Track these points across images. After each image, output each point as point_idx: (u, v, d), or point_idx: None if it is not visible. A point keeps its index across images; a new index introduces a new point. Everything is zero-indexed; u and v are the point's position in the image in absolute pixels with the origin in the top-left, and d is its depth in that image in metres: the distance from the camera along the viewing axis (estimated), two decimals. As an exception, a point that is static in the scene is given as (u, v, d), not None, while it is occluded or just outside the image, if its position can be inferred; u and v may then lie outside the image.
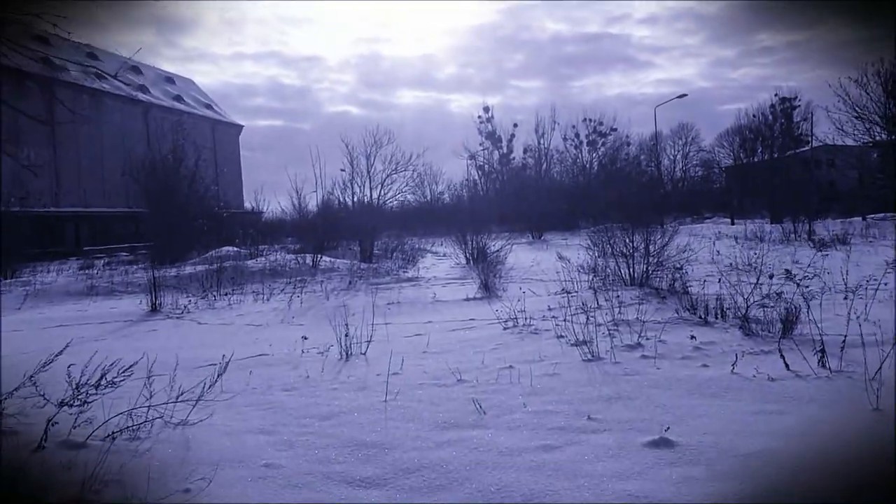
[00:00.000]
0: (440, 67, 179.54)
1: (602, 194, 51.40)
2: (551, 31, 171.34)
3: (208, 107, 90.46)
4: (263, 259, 23.19)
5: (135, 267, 29.39)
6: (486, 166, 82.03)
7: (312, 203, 30.01)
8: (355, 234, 25.87)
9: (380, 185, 25.68)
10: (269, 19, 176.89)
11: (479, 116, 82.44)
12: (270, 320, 13.32)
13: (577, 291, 13.87)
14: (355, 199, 26.02)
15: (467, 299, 14.93)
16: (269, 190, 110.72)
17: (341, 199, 26.38)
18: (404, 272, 21.85)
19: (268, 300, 16.48)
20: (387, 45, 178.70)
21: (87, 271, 25.38)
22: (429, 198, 65.39)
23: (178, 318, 14.08)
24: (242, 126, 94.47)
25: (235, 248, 30.08)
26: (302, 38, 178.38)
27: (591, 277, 15.49)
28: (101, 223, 62.13)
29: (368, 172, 25.33)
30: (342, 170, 29.12)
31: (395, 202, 27.09)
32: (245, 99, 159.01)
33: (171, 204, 30.15)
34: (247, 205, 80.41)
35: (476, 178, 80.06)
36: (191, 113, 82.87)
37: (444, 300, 15.05)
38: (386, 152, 25.96)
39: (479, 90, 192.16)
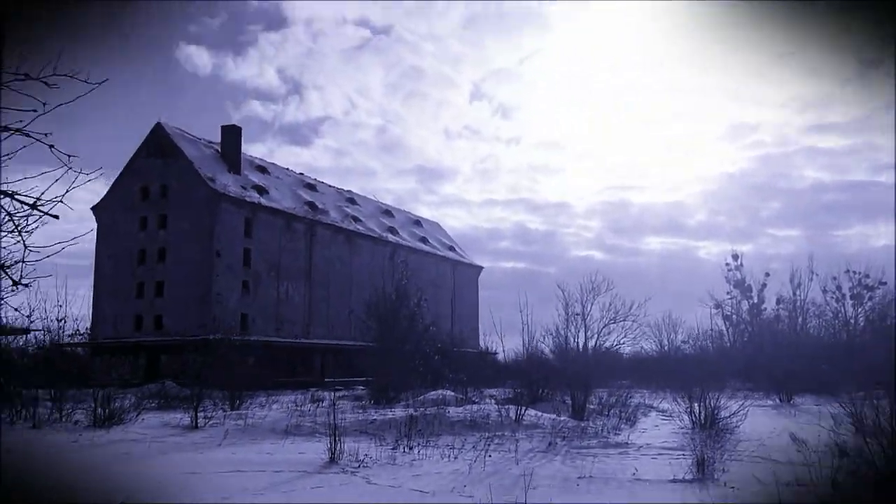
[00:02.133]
0: (690, 214, 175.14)
1: (871, 354, 45.31)
2: (811, 179, 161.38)
3: (451, 248, 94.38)
4: (466, 408, 22.17)
5: (356, 404, 29.78)
6: (734, 316, 76.57)
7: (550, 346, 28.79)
8: (568, 386, 24.18)
9: (596, 335, 24.05)
10: (521, 168, 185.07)
11: (728, 264, 77.98)
12: (442, 486, 12.06)
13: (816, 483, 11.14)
14: (570, 347, 24.52)
15: (674, 480, 12.66)
16: (507, 330, 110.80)
17: (552, 347, 25.00)
18: (616, 434, 19.66)
19: (455, 457, 15.26)
20: (635, 192, 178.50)
21: (300, 408, 25.85)
22: (666, 347, 61.59)
23: (352, 472, 13.28)
24: (482, 267, 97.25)
25: (451, 392, 29.54)
26: (551, 185, 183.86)
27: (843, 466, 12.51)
28: (346, 356, 65.18)
29: (584, 320, 23.87)
30: (570, 316, 27.93)
31: (628, 350, 25.05)
32: (492, 242, 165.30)
33: (390, 342, 30.58)
34: (482, 345, 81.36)
35: (723, 328, 74.85)
36: (433, 254, 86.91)
37: (646, 478, 12.89)
38: (604, 300, 24.35)
39: (730, 238, 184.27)
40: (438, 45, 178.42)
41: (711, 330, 71.58)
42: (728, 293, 76.50)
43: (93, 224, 63.92)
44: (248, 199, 62.60)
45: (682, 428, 21.40)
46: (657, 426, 22.69)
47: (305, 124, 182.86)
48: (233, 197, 61.08)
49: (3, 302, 9.53)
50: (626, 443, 18.03)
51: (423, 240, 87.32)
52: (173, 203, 61.10)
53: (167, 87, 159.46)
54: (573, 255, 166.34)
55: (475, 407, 22.63)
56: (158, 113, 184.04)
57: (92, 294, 61.75)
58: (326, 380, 59.25)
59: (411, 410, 22.30)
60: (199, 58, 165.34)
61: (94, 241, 63.92)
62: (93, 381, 35.11)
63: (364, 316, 34.60)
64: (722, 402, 21.73)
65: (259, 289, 63.41)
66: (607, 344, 24.68)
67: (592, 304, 24.43)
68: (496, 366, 47.96)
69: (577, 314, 24.31)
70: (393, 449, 16.38)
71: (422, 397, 28.82)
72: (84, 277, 67.10)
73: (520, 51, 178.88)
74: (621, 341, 25.12)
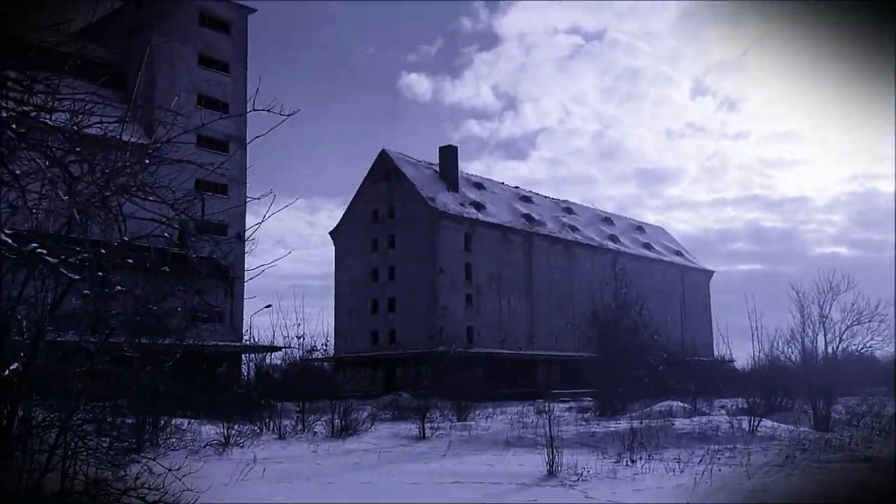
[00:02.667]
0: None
1: None
2: None
3: (678, 253, 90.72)
4: (695, 420, 21.06)
5: (580, 416, 29.46)
6: None
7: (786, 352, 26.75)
8: (808, 394, 22.17)
9: (837, 338, 21.84)
10: (751, 163, 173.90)
11: None
12: (664, 502, 11.51)
13: None
14: (807, 352, 22.51)
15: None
16: (743, 336, 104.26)
17: (787, 353, 23.07)
18: (867, 447, 17.69)
19: (681, 471, 14.52)
20: (883, 181, 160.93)
21: (522, 420, 25.95)
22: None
23: (570, 486, 13.08)
24: (713, 272, 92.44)
25: (679, 403, 28.30)
26: (787, 179, 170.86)
27: None
28: (571, 367, 64.72)
29: (822, 323, 21.78)
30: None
31: (882, 353, 22.59)
32: (724, 244, 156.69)
33: (613, 353, 29.88)
34: (717, 353, 77.10)
35: None
36: (659, 260, 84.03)
37: (902, 500, 11.45)
38: (846, 299, 22.06)
39: None
40: (654, 44, 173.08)
41: None
42: None
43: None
44: (466, 216, 64.50)
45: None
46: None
47: (522, 138, 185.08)
48: (452, 214, 63.24)
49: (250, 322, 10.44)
50: (879, 457, 16.16)
51: (647, 246, 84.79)
52: (399, 223, 64.46)
53: (392, 114, 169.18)
54: (815, 252, 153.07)
55: (704, 418, 21.45)
56: (386, 140, 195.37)
57: (333, 312, 66.68)
58: (553, 391, 59.27)
59: (636, 422, 21.60)
60: (419, 85, 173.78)
61: (333, 263, 69.11)
62: (338, 394, 37.80)
63: (584, 326, 34.13)
64: None
65: (482, 301, 64.95)
66: (851, 347, 22.24)
67: (831, 305, 22.13)
68: (731, 375, 45.26)
69: (822, 316, 22.16)
70: (615, 462, 15.93)
71: (648, 409, 27.88)
72: (326, 297, 72.60)
73: (742, 40, 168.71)
74: (868, 344, 22.49)
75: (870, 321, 21.66)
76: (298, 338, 34.10)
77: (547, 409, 21.22)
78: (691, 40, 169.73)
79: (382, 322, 64.76)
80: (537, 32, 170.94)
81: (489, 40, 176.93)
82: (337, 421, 22.34)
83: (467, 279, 64.29)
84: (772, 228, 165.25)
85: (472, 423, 26.14)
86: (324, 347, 63.84)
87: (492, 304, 66.01)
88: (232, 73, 50.53)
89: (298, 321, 35.12)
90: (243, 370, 51.34)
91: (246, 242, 50.25)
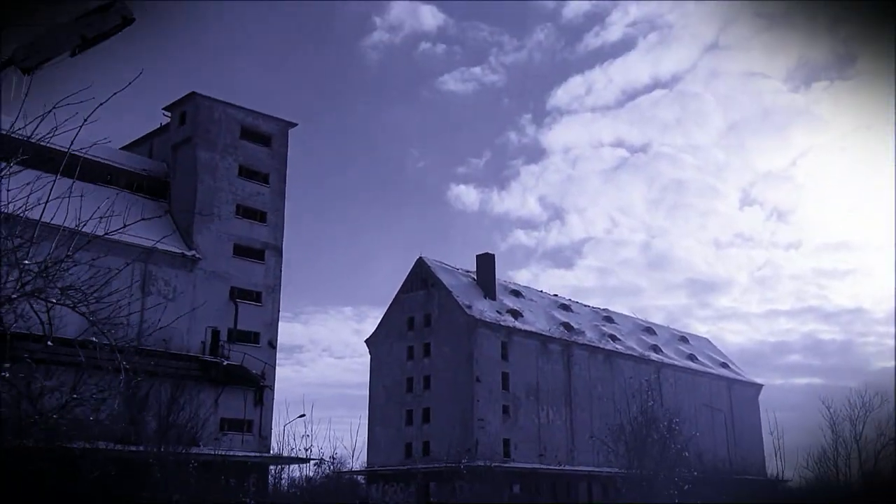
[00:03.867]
0: None
1: None
2: None
3: (724, 366, 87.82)
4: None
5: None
6: None
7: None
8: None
9: (874, 458, 20.23)
10: (805, 274, 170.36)
11: None
12: None
13: None
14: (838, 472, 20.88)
15: None
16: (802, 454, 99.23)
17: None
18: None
19: None
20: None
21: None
22: None
23: None
24: (762, 385, 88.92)
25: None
26: (842, 290, 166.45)
27: None
28: (612, 483, 61.89)
29: (857, 442, 20.26)
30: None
31: None
32: (778, 357, 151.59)
33: (641, 469, 28.27)
34: (769, 470, 73.02)
35: None
36: (705, 372, 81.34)
37: None
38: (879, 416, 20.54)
39: None
40: (699, 156, 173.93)
41: None
42: None
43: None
44: (503, 323, 63.67)
45: None
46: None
47: (568, 247, 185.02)
48: (488, 322, 62.50)
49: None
50: None
51: (692, 357, 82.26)
52: (435, 331, 63.84)
53: (441, 225, 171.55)
54: (877, 366, 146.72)
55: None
56: (434, 249, 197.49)
57: (367, 422, 65.45)
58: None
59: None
60: (467, 196, 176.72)
61: (368, 373, 68.47)
62: None
63: (610, 442, 32.57)
64: None
65: (519, 413, 63.18)
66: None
67: (864, 423, 20.65)
68: (782, 494, 42.58)
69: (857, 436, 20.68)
70: None
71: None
72: (359, 408, 71.34)
73: (790, 150, 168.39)
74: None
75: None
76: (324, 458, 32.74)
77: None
78: (738, 151, 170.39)
79: (417, 433, 63.20)
80: (582, 146, 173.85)
81: (536, 153, 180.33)
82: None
83: (504, 389, 62.79)
84: (830, 341, 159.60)
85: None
86: (356, 461, 62.65)
87: (530, 415, 64.15)
88: (271, 185, 51.78)
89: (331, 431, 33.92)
90: (274, 480, 50.44)
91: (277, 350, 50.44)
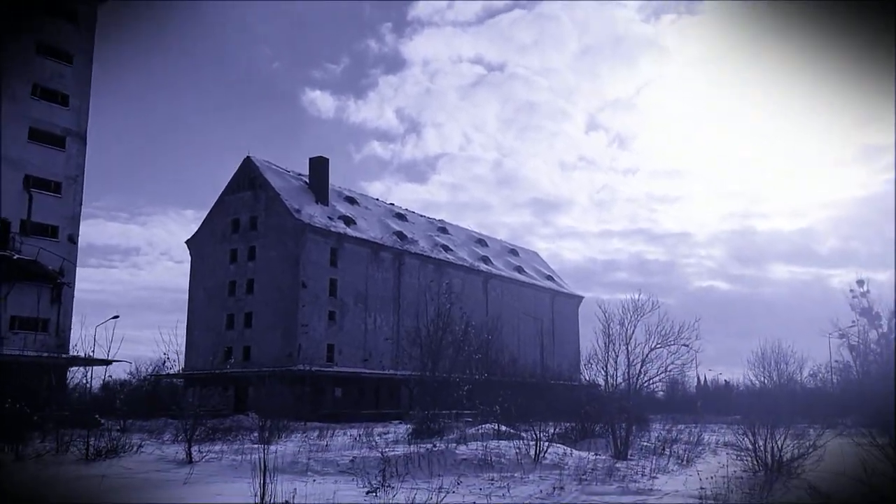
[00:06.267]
0: (819, 241, 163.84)
1: None
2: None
3: (549, 278, 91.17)
4: (484, 445, 19.73)
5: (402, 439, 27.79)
6: (861, 347, 69.66)
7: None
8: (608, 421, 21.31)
9: (640, 362, 21.06)
10: (639, 198, 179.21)
11: (852, 291, 71.22)
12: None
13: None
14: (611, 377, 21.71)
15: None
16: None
17: (588, 378, 22.24)
18: (652, 478, 16.76)
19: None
20: (760, 219, 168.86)
21: (317, 443, 24.06)
22: (774, 379, 56.24)
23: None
24: (582, 297, 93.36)
25: (505, 427, 27.05)
26: (671, 215, 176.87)
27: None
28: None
29: (627, 345, 21.00)
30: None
31: (659, 385, 21.95)
32: (608, 274, 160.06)
33: (432, 371, 28.45)
34: (584, 378, 77.24)
35: (850, 359, 68.17)
36: (530, 284, 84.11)
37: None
38: (650, 321, 21.34)
39: (865, 265, 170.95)
40: (552, 79, 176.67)
41: (837, 362, 65.39)
42: (853, 322, 69.69)
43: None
44: (333, 230, 62.35)
45: (747, 470, 18.15)
46: (723, 466, 19.38)
47: (423, 161, 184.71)
48: (318, 227, 60.97)
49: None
50: (651, 489, 15.19)
51: (519, 269, 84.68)
52: (262, 234, 61.65)
53: (291, 130, 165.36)
54: (695, 286, 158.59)
55: (494, 444, 20.17)
56: (284, 156, 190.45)
57: (186, 325, 62.89)
58: (410, 412, 57.58)
59: (428, 446, 20.10)
60: (322, 102, 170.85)
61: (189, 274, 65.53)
62: (185, 412, 34.86)
63: (406, 344, 32.65)
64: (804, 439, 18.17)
65: (346, 320, 62.78)
66: (652, 373, 21.51)
67: (635, 327, 21.39)
68: (586, 400, 44.82)
69: (626, 339, 21.38)
70: (368, 493, 14.31)
71: (469, 431, 26.55)
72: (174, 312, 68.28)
73: (636, 79, 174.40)
74: (668, 369, 21.81)
75: (672, 344, 20.97)
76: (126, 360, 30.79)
77: (391, 431, 19.34)
78: (589, 77, 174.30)
79: (238, 337, 61.56)
80: (442, 60, 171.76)
81: (396, 64, 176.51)
82: (95, 441, 19.78)
83: (332, 295, 61.98)
84: (655, 261, 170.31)
85: (273, 446, 23.96)
86: (173, 362, 60.23)
87: (357, 322, 63.92)
88: (75, 65, 46.91)
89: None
90: (74, 383, 47.50)
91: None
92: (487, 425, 26.23)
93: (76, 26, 47.35)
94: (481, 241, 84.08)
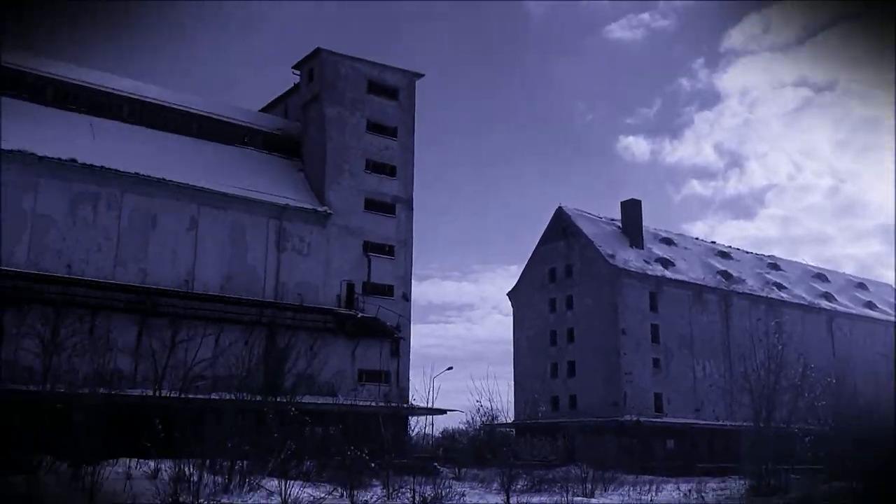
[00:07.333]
0: None
1: None
2: None
3: (910, 313, 78.93)
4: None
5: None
6: None
7: None
8: None
9: None
10: None
11: None
12: None
13: None
14: None
15: None
16: None
17: None
18: None
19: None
20: None
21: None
22: None
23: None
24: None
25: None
26: None
27: None
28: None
29: None
30: None
31: None
32: None
33: (766, 420, 25.38)
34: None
35: None
36: (886, 321, 73.62)
37: None
38: None
39: None
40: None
41: None
42: None
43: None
44: (650, 273, 60.39)
45: None
46: None
47: (749, 195, 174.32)
48: (634, 272, 59.49)
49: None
50: None
51: (870, 304, 74.54)
52: (578, 282, 61.71)
53: (609, 179, 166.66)
54: None
55: None
56: (600, 205, 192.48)
57: (513, 376, 64.70)
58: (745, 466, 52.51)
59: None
60: (636, 147, 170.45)
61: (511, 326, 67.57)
62: (518, 460, 35.77)
63: (735, 392, 29.56)
64: None
65: (671, 366, 59.97)
66: None
67: None
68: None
69: None
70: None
71: (821, 488, 23.25)
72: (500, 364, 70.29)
73: None
74: None
75: None
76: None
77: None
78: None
79: (562, 386, 61.72)
80: (761, 87, 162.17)
81: (710, 99, 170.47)
82: (420, 489, 20.45)
83: (654, 342, 59.75)
84: None
85: (594, 500, 23.03)
86: (499, 412, 62.14)
87: (683, 369, 60.72)
88: (399, 138, 51.56)
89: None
90: (416, 432, 50.83)
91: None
92: (838, 483, 22.75)
93: (398, 103, 52.17)
94: (821, 276, 75.70)
